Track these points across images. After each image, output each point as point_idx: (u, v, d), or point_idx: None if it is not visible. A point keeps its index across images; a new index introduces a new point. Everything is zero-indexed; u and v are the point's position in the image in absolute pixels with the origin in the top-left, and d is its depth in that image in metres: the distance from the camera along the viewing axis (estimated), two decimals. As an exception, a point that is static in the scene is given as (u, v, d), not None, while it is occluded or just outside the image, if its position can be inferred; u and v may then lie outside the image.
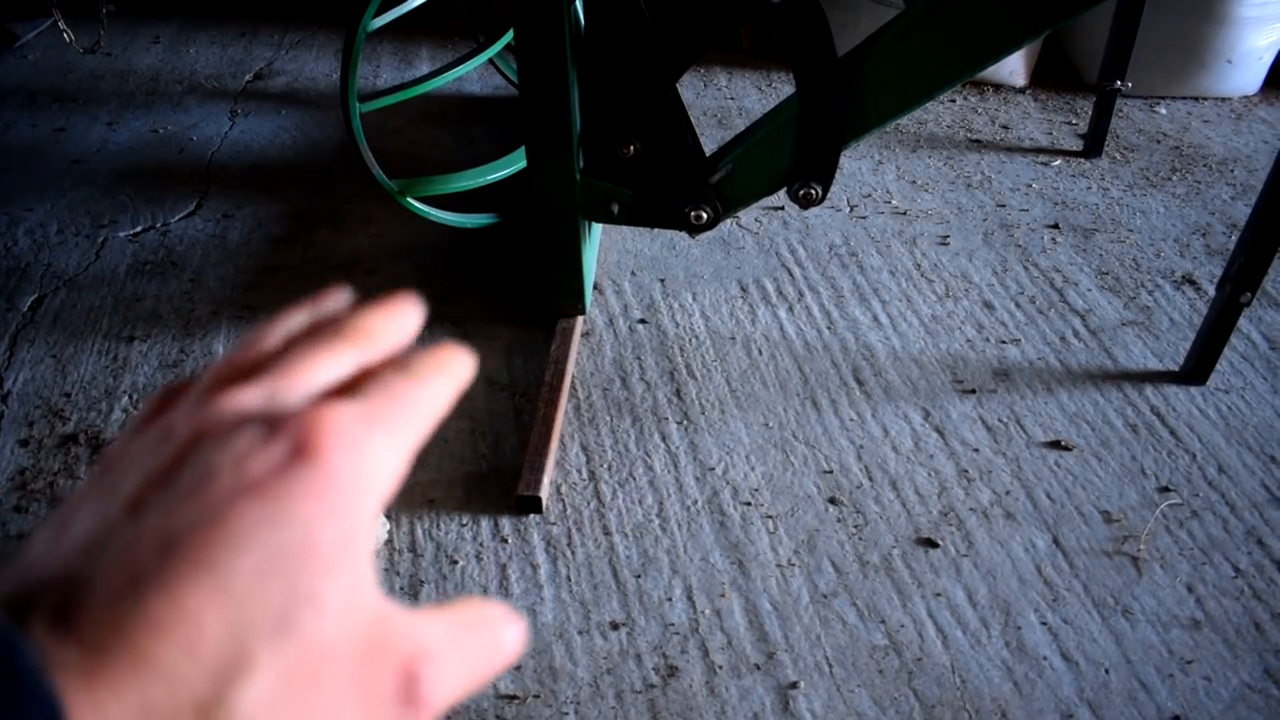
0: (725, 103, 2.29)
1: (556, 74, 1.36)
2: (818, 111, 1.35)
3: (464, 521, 1.36)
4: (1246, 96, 2.46)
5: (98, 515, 0.24)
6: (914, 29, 1.30)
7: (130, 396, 1.54)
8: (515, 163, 1.69)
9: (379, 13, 1.54)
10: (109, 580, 0.22)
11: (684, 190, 1.45)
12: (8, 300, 1.71)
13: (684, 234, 1.82)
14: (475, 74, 2.30)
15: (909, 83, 1.34)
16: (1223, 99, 2.44)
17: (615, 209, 1.48)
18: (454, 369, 0.32)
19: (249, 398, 0.27)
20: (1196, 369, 1.64)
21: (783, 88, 2.38)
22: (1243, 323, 1.77)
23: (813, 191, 1.43)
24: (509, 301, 1.70)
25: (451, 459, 1.44)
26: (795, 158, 1.40)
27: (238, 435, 0.25)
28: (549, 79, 1.36)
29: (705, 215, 1.47)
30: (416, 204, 1.59)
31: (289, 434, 0.25)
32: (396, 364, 0.30)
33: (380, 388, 0.28)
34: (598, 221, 1.54)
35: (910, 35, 1.31)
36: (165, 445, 0.26)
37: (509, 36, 1.75)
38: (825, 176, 1.42)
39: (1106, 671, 1.25)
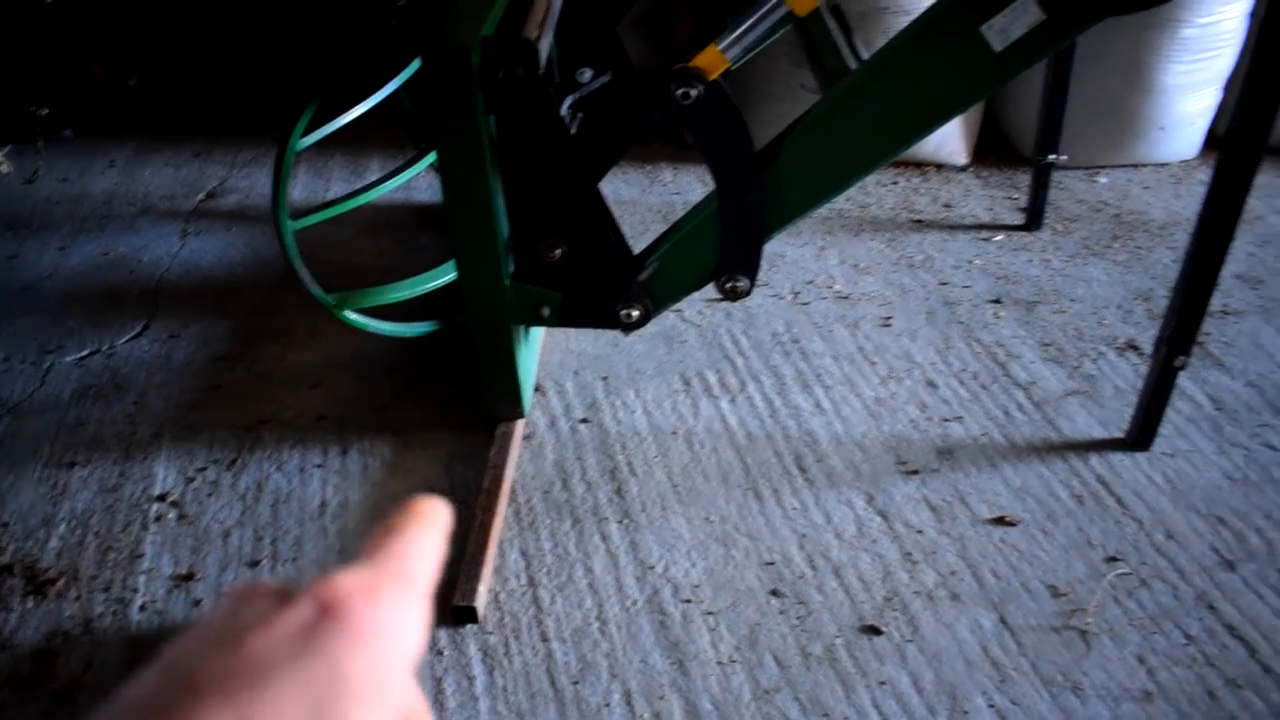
0: (670, 198, 2.33)
1: (478, 184, 1.38)
2: (737, 207, 1.38)
3: (400, 635, 1.34)
4: (1185, 161, 2.50)
5: (143, 684, 0.27)
6: (825, 121, 1.33)
7: (68, 524, 1.54)
8: (451, 270, 1.71)
9: (316, 128, 1.58)
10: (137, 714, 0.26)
11: (613, 290, 1.47)
12: (-47, 433, 1.72)
13: (629, 333, 1.84)
14: (424, 182, 2.34)
15: (824, 173, 1.37)
16: (1161, 165, 2.48)
17: (546, 312, 1.49)
18: (434, 519, 0.34)
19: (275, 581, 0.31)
20: (1140, 435, 1.64)
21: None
22: (1188, 385, 1.78)
23: (739, 284, 1.44)
24: (450, 409, 1.71)
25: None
26: (719, 253, 1.42)
27: (264, 602, 0.29)
28: (471, 189, 1.39)
29: (636, 313, 1.48)
30: (354, 316, 1.61)
31: (313, 597, 0.28)
32: (384, 531, 0.33)
33: (380, 553, 0.32)
34: (529, 325, 1.56)
35: (822, 127, 1.34)
36: (205, 627, 0.29)
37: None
38: (750, 269, 1.44)
39: (1058, 753, 1.23)
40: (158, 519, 1.54)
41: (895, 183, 2.37)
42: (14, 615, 1.40)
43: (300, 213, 1.58)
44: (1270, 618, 1.40)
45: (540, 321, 1.50)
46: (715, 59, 1.26)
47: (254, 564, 1.46)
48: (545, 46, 1.36)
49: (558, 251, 1.44)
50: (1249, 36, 2.38)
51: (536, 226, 1.43)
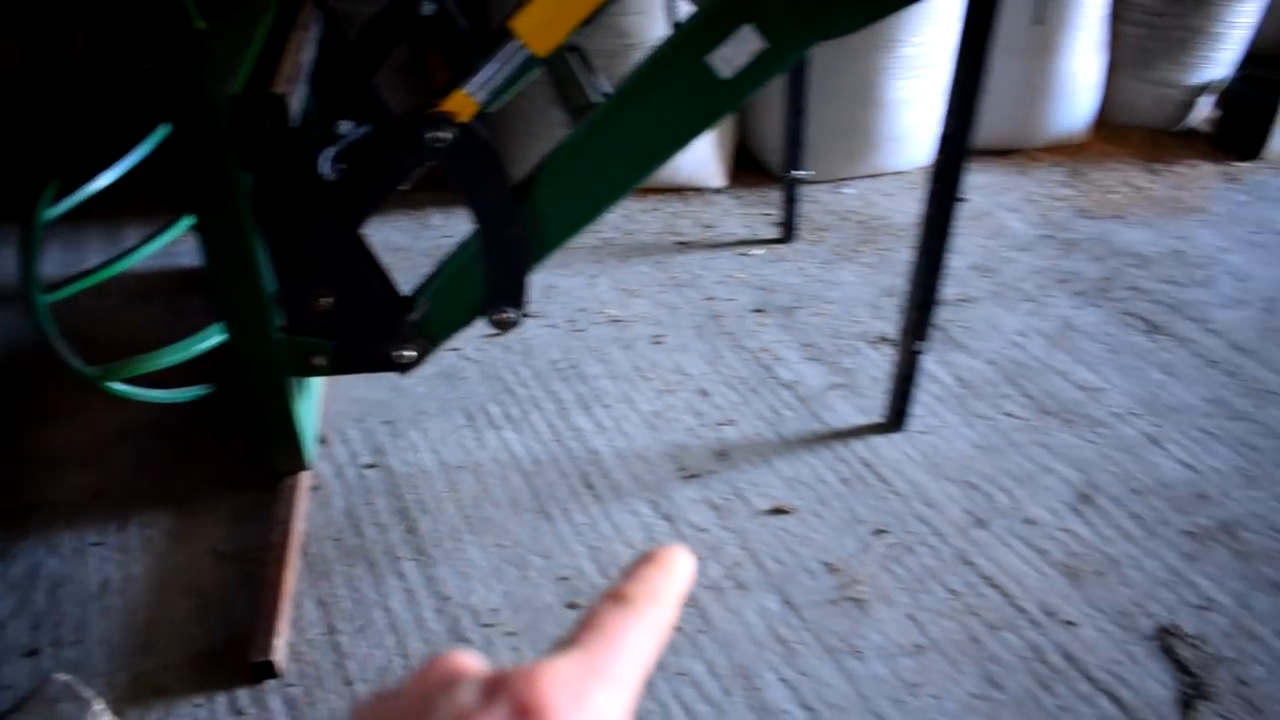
0: (441, 241, 2.37)
1: (238, 242, 1.39)
2: (498, 242, 1.43)
3: (198, 703, 1.33)
4: (921, 167, 2.73)
5: None
6: (575, 154, 1.40)
7: None
8: (221, 331, 1.70)
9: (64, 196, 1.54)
10: None
11: (385, 333, 1.50)
12: None
13: (408, 374, 1.86)
14: (187, 245, 2.30)
15: (578, 203, 1.44)
16: (899, 173, 2.70)
17: (320, 361, 1.50)
18: (674, 579, 0.31)
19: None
20: (895, 417, 1.79)
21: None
22: (935, 368, 1.95)
23: (508, 316, 1.50)
24: (232, 470, 1.69)
25: (181, 641, 1.41)
26: (486, 287, 1.47)
27: (462, 691, 0.27)
28: (231, 248, 1.39)
29: (411, 354, 1.52)
30: (121, 387, 1.57)
31: (511, 694, 0.26)
32: (613, 596, 0.30)
33: (597, 634, 0.29)
34: (304, 376, 1.56)
35: (572, 160, 1.41)
36: (398, 701, 0.27)
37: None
38: (517, 300, 1.49)
39: (844, 711, 1.32)
40: (-76, 619, 1.46)
41: (658, 208, 2.49)
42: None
43: (55, 286, 1.54)
44: (1020, 564, 1.55)
45: (315, 372, 1.51)
46: (464, 102, 1.31)
47: (32, 653, 1.40)
48: (296, 101, 1.38)
49: (326, 300, 1.46)
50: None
51: (302, 278, 1.44)
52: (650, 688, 1.34)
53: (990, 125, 2.76)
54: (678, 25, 1.37)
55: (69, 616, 1.46)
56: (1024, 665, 1.40)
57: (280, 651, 1.35)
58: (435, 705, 0.26)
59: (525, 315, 1.48)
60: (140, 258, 1.66)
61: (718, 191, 2.58)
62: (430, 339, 1.52)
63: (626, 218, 2.45)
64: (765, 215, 2.47)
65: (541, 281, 2.18)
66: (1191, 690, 1.38)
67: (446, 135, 1.31)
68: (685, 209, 2.50)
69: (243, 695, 1.33)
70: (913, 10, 2.38)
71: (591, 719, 0.26)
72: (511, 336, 2.00)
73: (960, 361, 1.99)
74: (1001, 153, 2.84)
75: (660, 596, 0.31)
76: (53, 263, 2.34)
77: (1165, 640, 1.45)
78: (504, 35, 1.28)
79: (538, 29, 1.26)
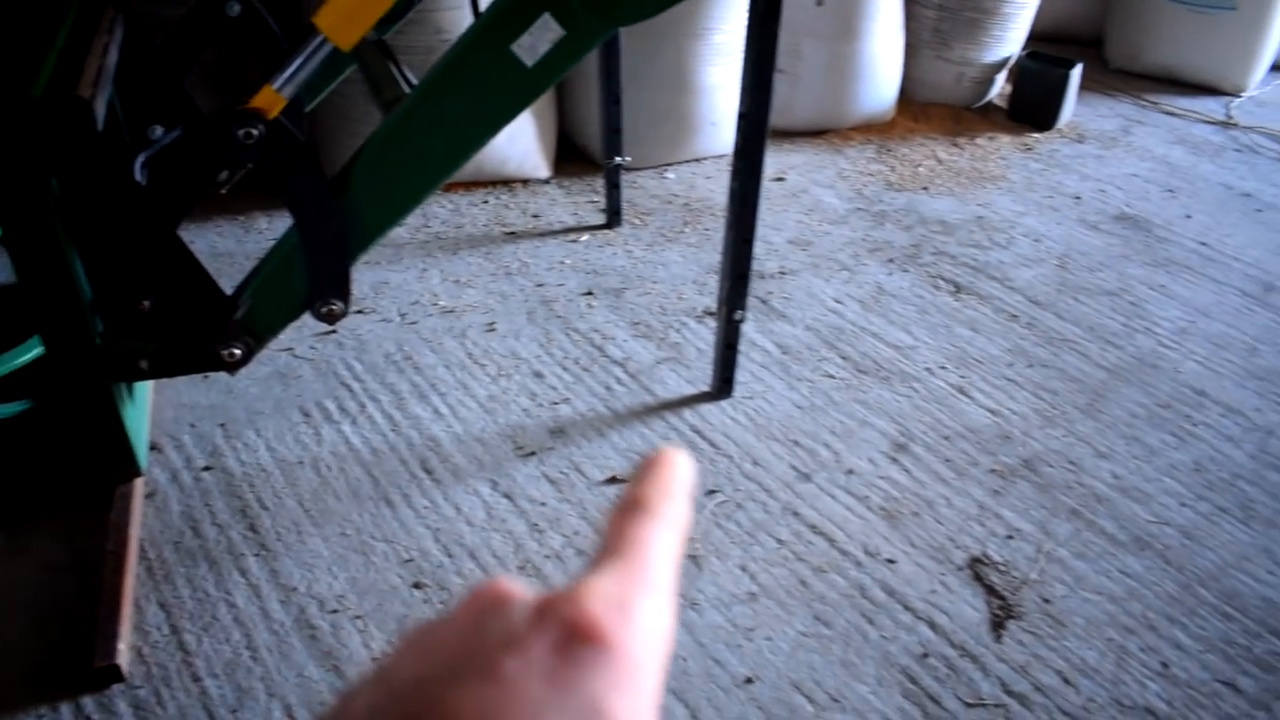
0: (268, 244, 2.33)
1: (49, 251, 1.37)
2: (317, 235, 1.45)
3: (41, 714, 1.31)
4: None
5: (389, 692, 0.25)
6: (386, 145, 1.43)
7: None
8: (35, 345, 1.66)
9: None
10: None
11: (209, 333, 1.49)
12: None
13: (241, 376, 1.86)
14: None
15: (394, 192, 1.46)
16: (720, 156, 2.80)
17: (144, 365, 1.49)
18: (680, 476, 0.32)
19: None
20: (721, 385, 1.88)
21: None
22: (758, 338, 2.06)
23: (334, 307, 1.52)
24: (62, 483, 1.65)
25: (18, 657, 1.38)
26: (309, 281, 1.49)
27: (512, 613, 0.27)
28: (43, 257, 1.37)
29: (238, 351, 1.52)
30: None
31: (559, 615, 0.26)
32: (629, 504, 0.30)
33: (626, 544, 0.29)
34: (128, 381, 1.55)
35: (384, 151, 1.44)
36: (447, 628, 0.27)
37: None
38: (342, 292, 1.51)
39: (684, 659, 1.40)
40: None
41: (486, 201, 2.53)
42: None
43: None
44: (842, 511, 1.66)
45: (140, 375, 1.50)
46: (272, 98, 1.33)
47: None
48: (101, 104, 1.37)
49: (146, 303, 1.45)
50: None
51: (120, 283, 1.43)
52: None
53: (802, 108, 2.90)
54: (478, 14, 1.42)
55: (-108, 645, 1.41)
56: (849, 602, 1.51)
57: (124, 655, 1.34)
58: (484, 630, 0.26)
59: (350, 307, 1.50)
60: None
61: (544, 182, 2.64)
62: (256, 336, 1.52)
63: (454, 211, 2.48)
64: (591, 203, 2.54)
65: (372, 277, 2.20)
66: (1001, 611, 1.52)
67: (255, 131, 1.32)
68: (513, 200, 2.55)
69: (88, 702, 1.32)
70: (718, -1, 2.49)
71: (640, 628, 0.27)
72: (345, 333, 2.01)
73: (781, 330, 2.10)
74: (815, 133, 2.98)
75: (674, 495, 0.32)
76: None
77: (976, 569, 1.58)
78: (308, 31, 1.31)
79: (339, 24, 1.29)
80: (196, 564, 1.51)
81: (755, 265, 2.31)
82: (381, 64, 1.65)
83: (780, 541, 1.60)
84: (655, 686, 0.26)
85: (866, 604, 1.51)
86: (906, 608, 1.51)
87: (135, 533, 1.53)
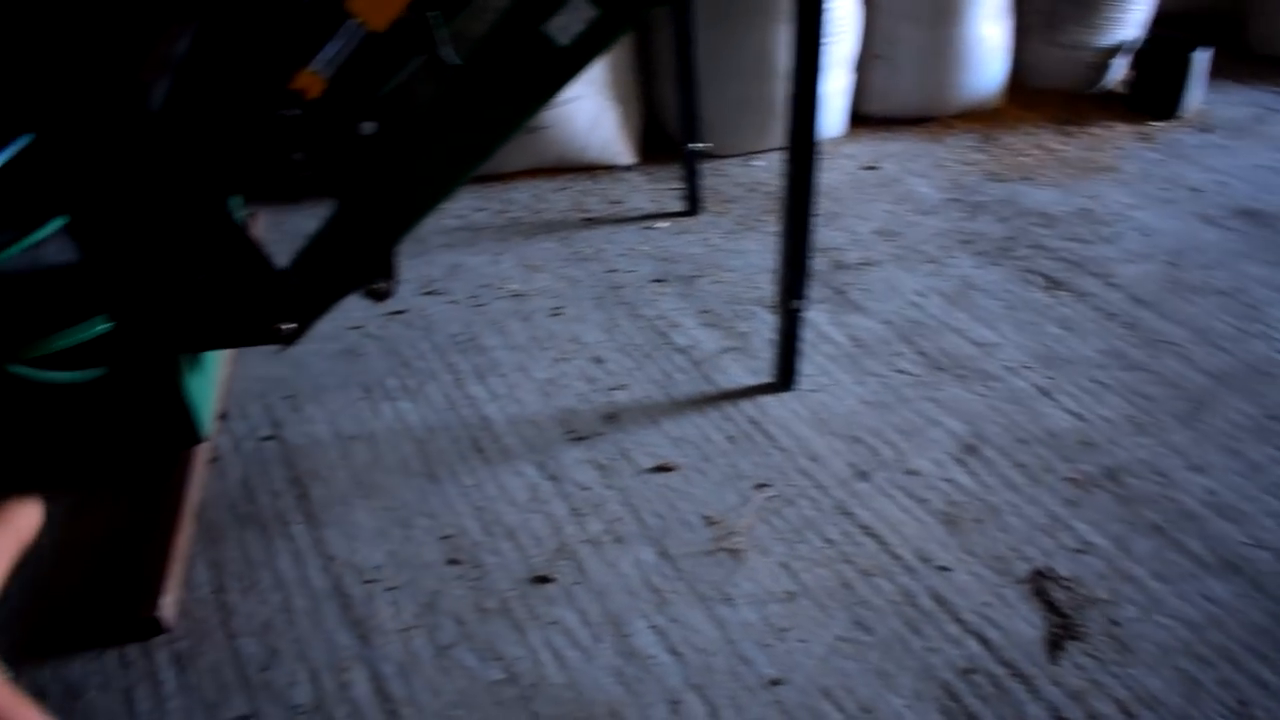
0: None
1: (115, 233, 1.44)
2: (361, 215, 1.48)
3: (90, 657, 1.38)
4: (831, 139, 2.79)
5: None
6: (429, 124, 1.45)
7: None
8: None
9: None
10: None
11: (264, 307, 1.54)
12: None
13: (311, 352, 1.92)
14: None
15: (438, 173, 1.48)
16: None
17: (202, 337, 1.55)
18: (9, 524, 0.35)
19: None
20: (782, 376, 1.84)
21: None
22: (830, 329, 2.01)
23: (381, 286, 1.55)
24: (130, 445, 1.73)
25: (76, 604, 1.45)
26: (356, 259, 1.52)
27: None
28: (109, 239, 1.44)
29: (291, 326, 1.56)
30: (21, 368, 1.61)
31: None
32: None
33: None
34: (187, 353, 1.61)
35: (425, 130, 1.45)
36: None
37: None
38: (387, 270, 1.54)
39: (711, 655, 1.37)
40: None
41: (567, 187, 2.54)
42: None
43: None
44: (898, 513, 1.60)
45: (198, 347, 1.56)
46: (310, 80, 1.36)
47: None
48: (162, 88, 1.42)
49: (203, 278, 1.50)
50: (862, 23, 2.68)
51: (179, 259, 1.48)
52: (521, 636, 1.39)
53: (901, 94, 2.82)
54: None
55: (-34, 593, 1.51)
56: (894, 609, 1.45)
57: (169, 609, 1.41)
58: None
59: (397, 285, 1.53)
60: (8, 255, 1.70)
61: (627, 169, 2.63)
62: (308, 311, 1.56)
63: (535, 197, 2.50)
64: (674, 190, 2.52)
65: (447, 260, 2.23)
66: (1061, 630, 1.42)
67: (296, 112, 1.36)
68: (594, 187, 2.55)
69: (132, 650, 1.39)
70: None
71: None
72: (414, 313, 2.05)
73: (856, 322, 2.05)
74: (915, 121, 2.89)
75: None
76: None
77: (1038, 583, 1.49)
78: (343, 15, 1.33)
79: (372, 6, 1.31)
80: (247, 528, 1.56)
81: (837, 256, 2.27)
82: (422, 43, 1.67)
83: (828, 541, 1.55)
84: None
85: (912, 612, 1.44)
86: (956, 619, 1.43)
87: (194, 495, 1.59)
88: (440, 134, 1.44)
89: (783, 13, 2.48)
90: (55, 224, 1.83)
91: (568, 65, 1.37)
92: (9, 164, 1.75)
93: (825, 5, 1.45)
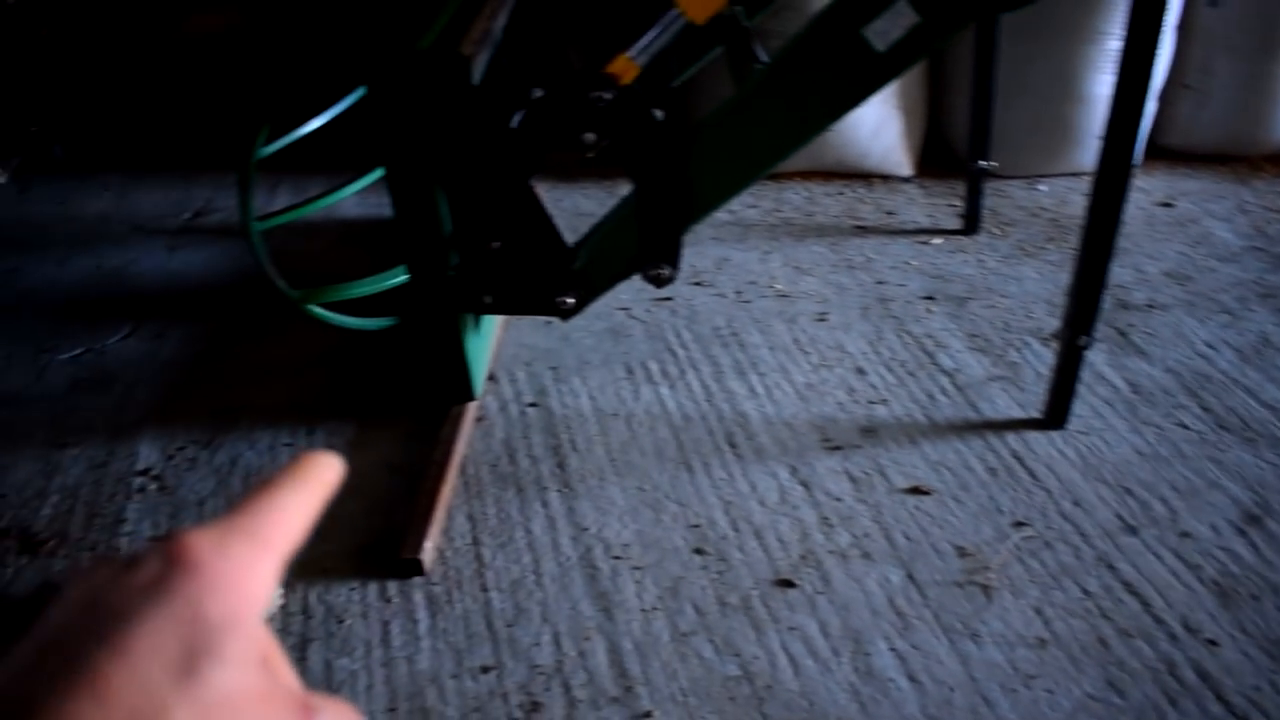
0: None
1: (420, 191, 1.53)
2: (653, 202, 1.51)
3: (354, 586, 1.48)
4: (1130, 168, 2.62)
5: (19, 660, 0.29)
6: (729, 121, 1.45)
7: (60, 495, 1.68)
8: (404, 271, 1.85)
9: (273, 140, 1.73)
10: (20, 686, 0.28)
11: (549, 279, 1.60)
12: (-47, 421, 1.87)
13: (578, 327, 1.97)
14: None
15: (731, 168, 1.49)
16: (1103, 174, 2.60)
17: (489, 300, 1.62)
18: (315, 476, 0.36)
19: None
20: (1053, 413, 1.76)
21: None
22: (1107, 371, 1.90)
23: (663, 272, 1.57)
24: (409, 395, 1.84)
25: (347, 534, 1.56)
26: (641, 243, 1.55)
27: (112, 567, 0.31)
28: (414, 196, 1.53)
29: (572, 300, 1.61)
30: (317, 309, 1.75)
31: (160, 553, 0.30)
32: (258, 487, 0.35)
33: (239, 506, 0.34)
34: (472, 313, 1.69)
35: (726, 127, 1.46)
36: (61, 602, 0.31)
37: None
38: (672, 258, 1.56)
39: (951, 690, 1.33)
40: (140, 491, 1.68)
41: (841, 193, 2.51)
42: (9, 570, 1.55)
43: (266, 218, 1.73)
44: (1167, 575, 1.50)
45: (484, 309, 1.63)
46: (625, 65, 1.40)
47: (222, 531, 1.59)
48: (482, 61, 1.50)
49: (497, 246, 1.57)
50: (1173, 50, 2.52)
51: (476, 225, 1.56)
52: (760, 636, 1.39)
53: (1207, 129, 2.63)
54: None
55: (256, 504, 1.64)
56: (1152, 676, 1.36)
57: (429, 553, 1.49)
58: (93, 585, 0.30)
59: (678, 273, 1.55)
60: (335, 200, 1.83)
61: (905, 180, 2.57)
62: (589, 288, 1.61)
63: (808, 199, 2.48)
64: (951, 206, 2.45)
65: (716, 253, 2.25)
66: (1339, 729, 1.31)
67: (608, 96, 1.39)
68: (869, 194, 2.51)
69: (391, 586, 1.48)
70: (1118, 1, 2.31)
71: (232, 563, 0.31)
72: (679, 301, 2.08)
73: (1136, 367, 1.93)
74: (1219, 159, 2.69)
75: (300, 481, 0.36)
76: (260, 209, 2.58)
77: (1318, 674, 1.38)
78: (663, 5, 1.36)
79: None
80: (506, 488, 1.63)
81: (1121, 294, 2.14)
82: (745, 46, 1.68)
83: (1086, 592, 1.47)
84: (254, 610, 0.31)
85: (1173, 683, 1.35)
86: (1220, 698, 1.33)
87: (460, 449, 1.67)
88: (740, 130, 1.44)
89: (1091, 33, 2.36)
90: (376, 173, 1.98)
91: (882, 72, 1.35)
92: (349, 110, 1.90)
93: (1162, 24, 1.36)
